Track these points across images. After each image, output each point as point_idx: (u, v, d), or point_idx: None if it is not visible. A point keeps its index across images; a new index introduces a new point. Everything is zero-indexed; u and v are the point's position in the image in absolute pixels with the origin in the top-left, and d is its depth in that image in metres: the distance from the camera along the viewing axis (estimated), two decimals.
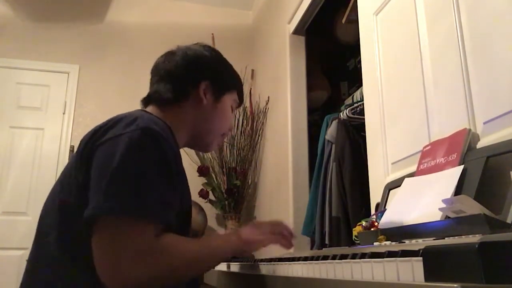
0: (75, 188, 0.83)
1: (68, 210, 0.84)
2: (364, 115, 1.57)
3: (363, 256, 0.55)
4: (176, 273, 0.79)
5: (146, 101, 1.06)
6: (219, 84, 1.07)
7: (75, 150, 0.91)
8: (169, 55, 1.08)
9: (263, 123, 3.20)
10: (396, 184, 1.10)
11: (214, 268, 0.95)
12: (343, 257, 0.59)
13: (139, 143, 0.80)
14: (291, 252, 0.96)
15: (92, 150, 0.83)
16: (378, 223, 1.00)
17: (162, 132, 0.84)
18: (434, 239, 0.64)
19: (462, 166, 0.85)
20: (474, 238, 0.42)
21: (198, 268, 0.86)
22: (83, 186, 0.81)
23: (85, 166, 0.82)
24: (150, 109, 1.03)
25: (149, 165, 0.79)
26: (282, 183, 2.66)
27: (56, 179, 0.94)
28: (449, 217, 0.76)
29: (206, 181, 3.17)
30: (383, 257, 0.50)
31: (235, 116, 3.25)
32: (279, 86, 2.89)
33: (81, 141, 0.89)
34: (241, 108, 3.29)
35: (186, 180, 0.97)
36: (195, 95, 1.04)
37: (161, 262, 0.76)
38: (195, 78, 1.04)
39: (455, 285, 0.35)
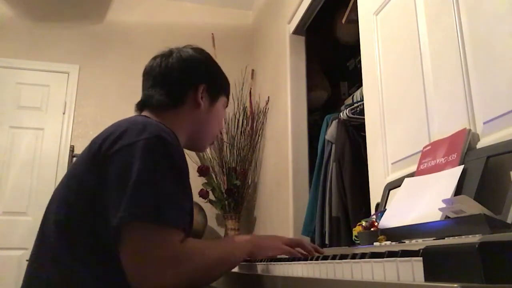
0: (85, 192, 0.84)
1: (75, 212, 0.84)
2: (364, 115, 1.57)
3: (363, 256, 0.55)
4: (200, 276, 0.81)
5: (140, 106, 1.05)
6: (215, 87, 1.09)
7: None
8: (163, 58, 1.06)
9: (263, 123, 3.20)
10: (396, 184, 1.10)
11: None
12: (343, 257, 0.59)
13: (154, 151, 0.82)
14: None
15: (105, 157, 0.83)
16: (378, 223, 1.00)
17: (171, 139, 0.86)
18: (434, 239, 0.64)
19: (462, 166, 0.85)
20: (474, 238, 0.42)
21: (218, 272, 0.87)
22: (94, 191, 0.82)
23: (98, 172, 0.83)
24: (146, 114, 1.02)
25: (166, 172, 0.81)
26: (282, 183, 2.66)
27: (61, 180, 0.93)
28: (449, 217, 0.76)
29: (206, 181, 3.17)
30: (383, 257, 0.50)
31: (235, 116, 3.25)
32: (279, 86, 2.89)
33: (91, 145, 0.88)
34: (241, 108, 3.29)
35: (189, 182, 0.98)
36: (192, 99, 1.04)
37: (187, 267, 0.78)
38: (193, 81, 1.05)
39: (455, 285, 0.35)
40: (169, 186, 0.81)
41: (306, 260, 0.71)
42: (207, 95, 1.06)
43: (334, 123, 2.13)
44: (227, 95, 1.15)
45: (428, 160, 0.99)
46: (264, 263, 0.91)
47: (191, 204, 0.93)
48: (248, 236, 0.97)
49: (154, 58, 1.09)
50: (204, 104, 1.05)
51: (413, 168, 1.06)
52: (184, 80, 1.05)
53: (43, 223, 0.90)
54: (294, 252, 0.92)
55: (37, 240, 0.90)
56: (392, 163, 1.32)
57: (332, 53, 3.08)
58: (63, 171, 2.98)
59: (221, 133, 3.19)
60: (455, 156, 0.90)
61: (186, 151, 0.98)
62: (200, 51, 1.11)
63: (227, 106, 1.18)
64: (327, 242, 1.93)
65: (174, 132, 0.93)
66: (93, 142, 0.89)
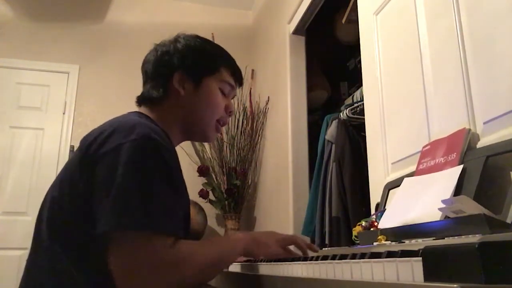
0: (75, 195, 0.82)
1: (67, 216, 0.83)
2: (364, 115, 1.57)
3: (363, 256, 0.55)
4: (193, 279, 0.80)
5: (138, 102, 1.06)
6: (193, 70, 1.03)
7: (75, 150, 0.90)
8: (147, 55, 1.09)
9: (263, 123, 3.20)
10: (396, 184, 1.10)
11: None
12: (343, 257, 0.59)
13: (141, 153, 0.80)
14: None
15: (93, 160, 0.82)
16: (378, 223, 1.00)
17: (161, 140, 0.84)
18: (434, 239, 0.64)
19: (461, 166, 0.85)
20: (474, 238, 0.42)
21: (210, 274, 0.86)
22: (83, 195, 0.81)
23: (86, 175, 0.81)
24: (142, 110, 1.03)
25: (154, 175, 0.79)
26: (282, 183, 2.66)
27: (54, 181, 0.91)
28: (448, 217, 0.76)
29: (206, 181, 3.17)
30: (383, 257, 0.50)
31: (235, 116, 3.24)
32: (279, 86, 2.89)
33: (81, 145, 0.87)
34: (241, 108, 3.29)
35: (184, 182, 0.96)
36: (173, 89, 1.01)
37: (179, 272, 0.76)
38: (167, 71, 1.02)
39: (455, 285, 0.35)
40: (157, 190, 0.78)
41: (306, 260, 0.71)
42: (188, 80, 1.02)
43: (334, 123, 2.13)
44: (231, 72, 1.08)
45: (428, 159, 0.99)
46: (264, 263, 0.91)
47: (185, 206, 0.91)
48: (242, 234, 0.94)
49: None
50: (187, 90, 1.01)
51: (413, 168, 1.06)
52: (159, 72, 1.03)
53: (38, 225, 0.89)
54: (287, 252, 0.91)
55: (33, 242, 0.88)
56: (392, 163, 1.32)
57: (332, 53, 3.08)
58: None
59: (221, 134, 3.19)
60: (455, 155, 0.90)
61: (187, 151, 0.97)
62: (180, 38, 1.07)
63: (235, 84, 1.10)
64: (327, 242, 1.93)
65: (166, 131, 0.92)
66: (83, 141, 0.87)
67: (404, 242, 0.73)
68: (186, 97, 1.02)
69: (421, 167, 1.01)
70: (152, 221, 0.75)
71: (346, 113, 2.06)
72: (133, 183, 0.77)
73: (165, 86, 1.02)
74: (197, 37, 1.09)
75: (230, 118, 1.14)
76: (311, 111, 2.77)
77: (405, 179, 1.03)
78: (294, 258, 0.79)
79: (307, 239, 2.23)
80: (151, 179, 0.78)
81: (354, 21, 1.97)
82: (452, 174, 0.86)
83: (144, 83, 1.07)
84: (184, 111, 1.02)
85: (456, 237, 0.59)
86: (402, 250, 0.48)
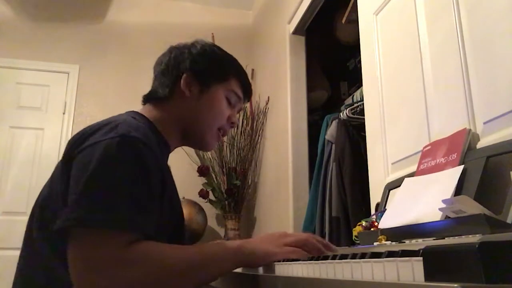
0: (59, 195, 0.82)
1: (54, 215, 0.81)
2: (364, 115, 1.57)
3: (363, 256, 0.55)
4: (156, 282, 0.73)
5: (144, 100, 1.06)
6: (203, 74, 1.03)
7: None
8: (160, 56, 1.10)
9: (263, 123, 3.20)
10: (396, 184, 1.10)
11: (215, 279, 0.84)
12: (343, 257, 0.59)
13: (115, 150, 0.77)
14: None
15: (72, 157, 0.81)
16: (378, 223, 1.00)
17: (143, 139, 0.81)
18: (434, 239, 0.64)
19: (462, 166, 0.85)
20: (474, 238, 0.42)
21: (187, 278, 0.76)
22: (62, 194, 0.80)
23: (66, 174, 0.81)
24: (146, 107, 1.04)
25: (124, 172, 0.76)
26: (282, 183, 2.66)
27: (47, 181, 0.91)
28: (449, 217, 0.76)
29: (206, 181, 3.17)
30: (383, 257, 0.50)
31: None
32: (279, 86, 2.89)
33: (67, 144, 0.87)
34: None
35: (175, 189, 0.95)
36: (179, 90, 1.02)
37: (133, 271, 0.71)
38: (176, 72, 1.03)
39: (455, 285, 0.35)
40: (124, 187, 0.75)
41: (306, 260, 0.71)
42: (195, 83, 1.02)
43: (334, 123, 2.13)
44: (240, 85, 1.08)
45: (428, 160, 0.99)
46: None
47: (174, 211, 0.90)
48: (239, 242, 0.83)
49: None
50: (192, 92, 1.02)
51: (413, 168, 1.06)
52: (169, 71, 1.04)
53: (29, 224, 0.88)
54: (298, 253, 0.80)
55: (24, 241, 0.88)
56: (392, 163, 1.32)
57: (332, 53, 3.08)
58: None
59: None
60: (455, 156, 0.90)
61: (187, 151, 0.96)
62: (197, 43, 1.08)
63: (243, 98, 1.10)
64: None
65: (161, 132, 0.92)
66: (70, 139, 0.87)
67: (404, 242, 0.73)
68: (190, 99, 1.02)
69: (422, 167, 1.01)
70: (106, 218, 0.72)
71: (346, 113, 2.06)
72: (99, 180, 0.75)
73: (172, 86, 1.02)
74: (214, 45, 1.10)
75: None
76: (311, 111, 2.77)
77: (406, 179, 1.03)
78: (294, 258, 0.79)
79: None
80: (120, 176, 0.76)
81: (354, 21, 1.97)
82: (453, 174, 0.86)
83: (153, 81, 1.08)
84: (186, 113, 1.02)
85: (456, 237, 0.59)
86: (402, 250, 0.48)
